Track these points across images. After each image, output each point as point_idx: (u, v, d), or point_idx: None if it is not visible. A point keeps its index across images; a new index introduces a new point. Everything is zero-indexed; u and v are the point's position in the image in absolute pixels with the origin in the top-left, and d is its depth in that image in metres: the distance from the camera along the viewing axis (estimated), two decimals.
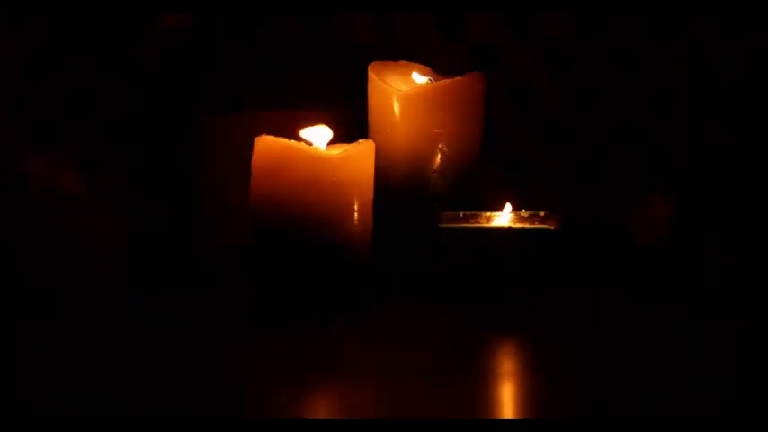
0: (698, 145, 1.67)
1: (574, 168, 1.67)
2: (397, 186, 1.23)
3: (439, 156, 1.23)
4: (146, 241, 1.56)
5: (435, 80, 1.27)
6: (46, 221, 1.52)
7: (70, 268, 1.50)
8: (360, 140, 1.15)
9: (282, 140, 1.11)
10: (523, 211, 1.12)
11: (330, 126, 1.17)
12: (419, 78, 1.27)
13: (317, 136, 1.16)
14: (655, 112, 1.68)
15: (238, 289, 1.20)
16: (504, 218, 1.13)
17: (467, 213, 1.13)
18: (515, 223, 1.12)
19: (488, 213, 1.13)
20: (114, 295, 1.43)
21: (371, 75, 1.26)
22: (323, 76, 1.61)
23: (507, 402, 0.81)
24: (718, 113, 1.67)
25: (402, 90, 1.24)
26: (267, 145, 1.12)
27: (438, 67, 1.29)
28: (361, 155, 1.14)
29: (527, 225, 1.11)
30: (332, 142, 1.16)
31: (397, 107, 1.23)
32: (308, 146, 1.14)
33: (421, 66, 1.30)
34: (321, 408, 0.78)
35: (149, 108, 1.61)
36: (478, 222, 1.13)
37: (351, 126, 1.28)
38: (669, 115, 1.68)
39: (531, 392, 0.84)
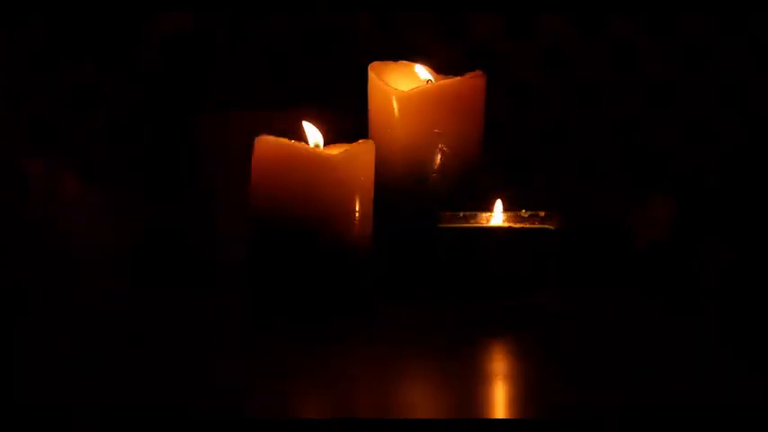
0: (698, 145, 1.67)
1: (574, 168, 1.67)
2: (397, 186, 1.23)
3: (439, 156, 1.23)
4: (146, 241, 1.56)
5: (435, 80, 1.27)
6: (46, 221, 1.52)
7: (70, 268, 1.50)
8: (360, 140, 1.15)
9: (282, 140, 1.11)
10: (523, 211, 1.12)
11: (330, 126, 1.17)
12: (422, 72, 1.27)
13: (315, 134, 1.16)
14: (655, 111, 1.68)
15: (238, 289, 1.20)
16: (496, 216, 1.12)
17: (467, 213, 1.13)
18: (515, 223, 1.12)
19: (488, 213, 1.13)
20: (114, 295, 1.43)
21: (371, 75, 1.26)
22: (323, 76, 1.61)
23: (507, 402, 0.81)
24: (719, 113, 1.67)
25: (402, 90, 1.24)
26: (267, 145, 1.12)
27: (438, 67, 1.29)
28: (361, 155, 1.14)
29: (527, 225, 1.11)
30: (332, 142, 1.16)
31: (397, 107, 1.23)
32: (307, 146, 1.13)
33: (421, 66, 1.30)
34: (321, 408, 0.78)
35: (149, 108, 1.61)
36: (478, 222, 1.13)
37: (351, 126, 1.28)
38: (669, 115, 1.67)
39: (530, 393, 0.83)
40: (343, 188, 1.11)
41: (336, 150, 1.14)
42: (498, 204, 1.13)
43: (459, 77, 1.26)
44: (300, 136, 1.15)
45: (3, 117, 1.58)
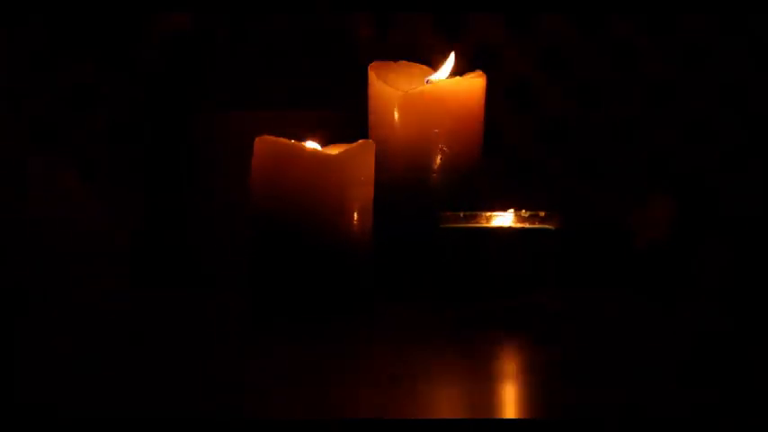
0: (698, 145, 1.67)
1: (574, 168, 1.67)
2: (397, 186, 1.23)
3: (439, 156, 1.23)
4: (146, 241, 1.56)
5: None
6: (45, 221, 1.52)
7: (70, 268, 1.50)
8: (360, 140, 1.15)
9: (282, 140, 1.11)
10: (523, 211, 1.12)
11: (330, 126, 1.17)
12: (445, 68, 1.27)
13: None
14: (655, 111, 1.68)
15: (238, 289, 1.20)
16: (496, 216, 1.12)
17: (467, 213, 1.13)
18: (515, 223, 1.12)
19: (488, 213, 1.13)
20: (114, 295, 1.43)
21: (371, 75, 1.26)
22: (323, 76, 1.61)
23: (507, 402, 0.81)
24: (719, 113, 1.67)
25: (402, 90, 1.24)
26: (267, 145, 1.12)
27: (438, 67, 1.29)
28: (361, 155, 1.14)
29: (527, 225, 1.11)
30: (332, 142, 1.16)
31: (397, 107, 1.23)
32: (307, 146, 1.13)
33: (421, 66, 1.30)
34: (321, 408, 0.78)
35: (149, 108, 1.61)
36: (478, 222, 1.13)
37: (351, 126, 1.28)
38: (669, 115, 1.68)
39: (531, 393, 0.83)
40: (343, 188, 1.11)
41: (336, 150, 1.14)
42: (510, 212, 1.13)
43: (459, 77, 1.26)
44: (301, 137, 1.15)
45: (3, 117, 1.58)
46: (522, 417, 0.76)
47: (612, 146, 1.67)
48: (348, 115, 1.36)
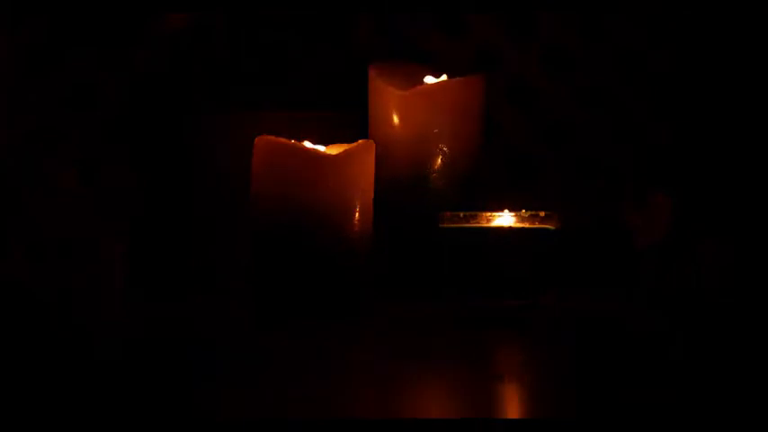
0: (698, 144, 1.67)
1: (574, 168, 1.67)
2: (397, 186, 1.23)
3: (439, 156, 1.24)
4: (146, 242, 1.56)
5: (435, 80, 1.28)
6: (44, 222, 1.52)
7: (70, 268, 1.50)
8: (360, 140, 1.15)
9: (282, 140, 1.11)
10: (523, 211, 1.12)
11: (330, 126, 1.17)
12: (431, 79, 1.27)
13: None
14: (655, 111, 1.68)
15: (239, 290, 1.20)
16: (505, 219, 1.12)
17: (467, 213, 1.13)
18: (515, 223, 1.12)
19: (488, 213, 1.13)
20: (114, 296, 1.43)
21: (372, 75, 1.26)
22: (323, 76, 1.61)
23: (507, 402, 0.81)
24: (719, 113, 1.67)
25: (402, 90, 1.24)
26: (267, 145, 1.12)
27: (438, 67, 1.29)
28: (361, 155, 1.14)
29: (527, 225, 1.11)
30: (332, 142, 1.16)
31: (397, 107, 1.23)
32: (307, 146, 1.14)
33: (421, 66, 1.30)
34: (321, 408, 0.78)
35: (149, 108, 1.61)
36: (478, 222, 1.13)
37: (351, 126, 1.28)
38: (669, 115, 1.68)
39: (531, 392, 0.84)
40: (343, 188, 1.11)
41: (336, 150, 1.14)
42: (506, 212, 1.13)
43: (459, 77, 1.26)
44: (301, 137, 1.15)
45: (2, 117, 1.59)
46: (521, 417, 0.76)
47: (612, 146, 1.67)
48: (348, 115, 1.36)
